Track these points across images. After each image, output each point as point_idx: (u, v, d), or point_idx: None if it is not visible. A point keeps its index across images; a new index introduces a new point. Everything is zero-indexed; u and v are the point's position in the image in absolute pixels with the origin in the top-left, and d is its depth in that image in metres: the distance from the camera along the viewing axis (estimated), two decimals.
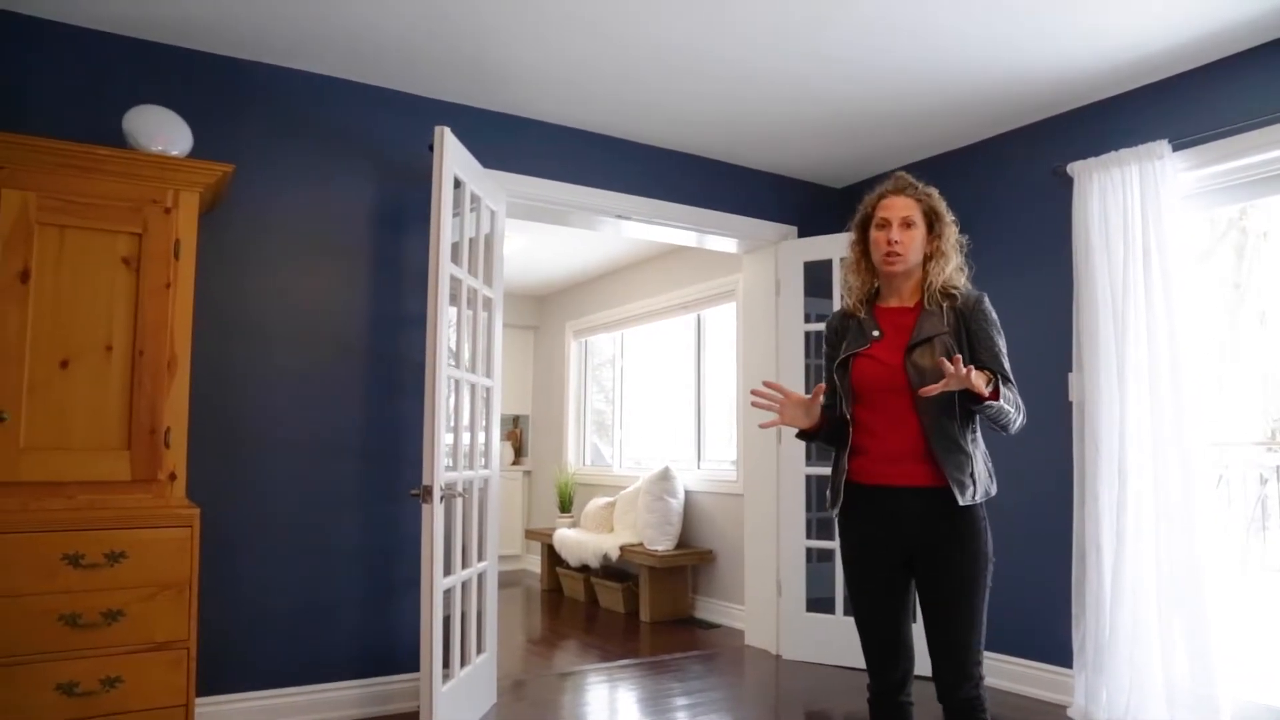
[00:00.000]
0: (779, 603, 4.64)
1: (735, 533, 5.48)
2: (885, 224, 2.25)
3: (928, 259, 2.27)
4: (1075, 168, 3.65)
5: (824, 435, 2.30)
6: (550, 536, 6.81)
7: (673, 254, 6.54)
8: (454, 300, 3.25)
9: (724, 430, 6.26)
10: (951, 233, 2.28)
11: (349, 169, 3.61)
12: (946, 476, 2.12)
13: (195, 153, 2.98)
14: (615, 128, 4.19)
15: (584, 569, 6.41)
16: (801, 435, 2.32)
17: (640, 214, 4.29)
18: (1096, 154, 3.59)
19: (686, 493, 6.03)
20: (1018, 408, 2.16)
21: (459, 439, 3.30)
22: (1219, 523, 3.38)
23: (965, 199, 4.43)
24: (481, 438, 3.54)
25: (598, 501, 6.72)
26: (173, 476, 2.72)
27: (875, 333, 2.26)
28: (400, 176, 3.70)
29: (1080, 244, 3.62)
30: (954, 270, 2.27)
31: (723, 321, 6.20)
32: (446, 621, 3.08)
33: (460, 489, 3.20)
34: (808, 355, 4.61)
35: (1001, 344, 2.22)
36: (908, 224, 2.24)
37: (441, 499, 2.91)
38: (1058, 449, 3.71)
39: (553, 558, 6.90)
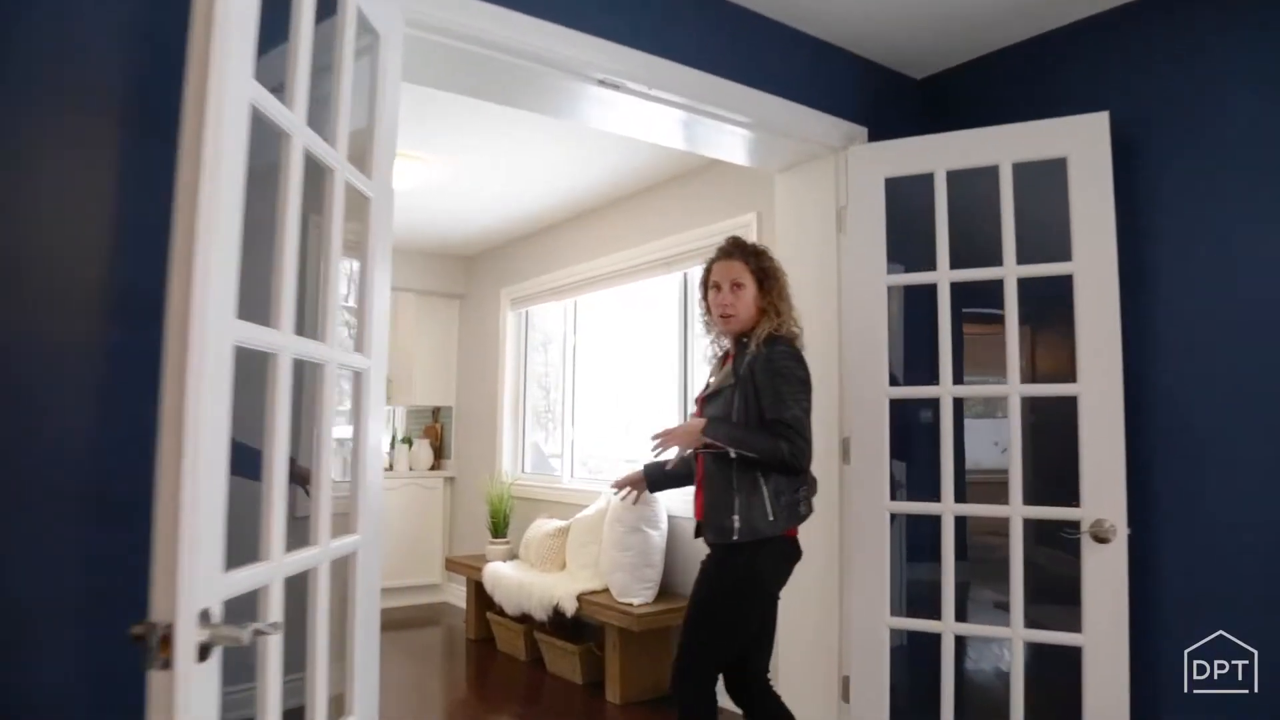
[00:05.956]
0: (842, 711, 2.98)
1: None
2: (718, 287, 2.53)
3: (762, 314, 2.50)
4: None
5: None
6: (479, 571, 5.06)
7: (647, 192, 4.85)
8: (277, 181, 1.47)
9: None
10: (781, 288, 2.53)
11: None
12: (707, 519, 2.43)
13: None
14: None
15: (525, 619, 4.68)
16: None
17: (633, 78, 2.56)
18: None
19: (671, 520, 4.35)
20: (767, 446, 2.31)
21: (288, 481, 1.52)
22: None
23: (1132, 85, 2.82)
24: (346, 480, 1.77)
25: (543, 526, 5.01)
26: None
27: (710, 379, 2.64)
28: None
29: None
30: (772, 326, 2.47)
31: None
32: None
33: (273, 615, 1.40)
34: (906, 317, 2.97)
35: (784, 388, 2.35)
36: (738, 286, 2.50)
37: (208, 649, 1.15)
38: None
39: (483, 598, 5.15)
